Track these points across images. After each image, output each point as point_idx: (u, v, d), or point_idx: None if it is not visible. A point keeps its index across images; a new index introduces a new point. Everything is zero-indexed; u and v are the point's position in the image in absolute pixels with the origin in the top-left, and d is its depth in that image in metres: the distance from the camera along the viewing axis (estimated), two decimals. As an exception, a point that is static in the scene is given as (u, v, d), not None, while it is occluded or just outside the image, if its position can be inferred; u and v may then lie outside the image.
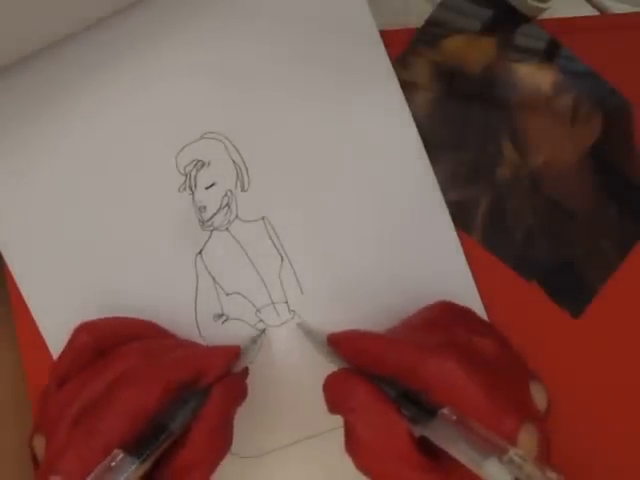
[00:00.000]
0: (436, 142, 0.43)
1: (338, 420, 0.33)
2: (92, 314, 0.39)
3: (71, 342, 0.36)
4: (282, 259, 0.42)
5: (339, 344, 0.34)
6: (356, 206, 0.42)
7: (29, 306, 0.41)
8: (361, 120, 0.43)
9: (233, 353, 0.35)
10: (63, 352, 0.36)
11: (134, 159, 0.42)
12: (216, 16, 0.42)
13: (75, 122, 0.42)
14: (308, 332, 0.39)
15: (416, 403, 0.30)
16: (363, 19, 0.42)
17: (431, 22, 0.44)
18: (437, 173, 0.42)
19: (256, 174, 0.42)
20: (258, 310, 0.42)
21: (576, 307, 0.43)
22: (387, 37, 0.43)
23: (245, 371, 0.38)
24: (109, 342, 0.35)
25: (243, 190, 0.42)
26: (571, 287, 0.43)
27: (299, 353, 0.42)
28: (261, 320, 0.42)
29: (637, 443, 0.42)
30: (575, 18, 0.45)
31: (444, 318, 0.36)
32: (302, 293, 0.42)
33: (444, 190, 0.42)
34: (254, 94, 0.42)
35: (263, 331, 0.41)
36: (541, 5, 0.43)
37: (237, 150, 0.42)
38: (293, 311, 0.42)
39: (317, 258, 0.42)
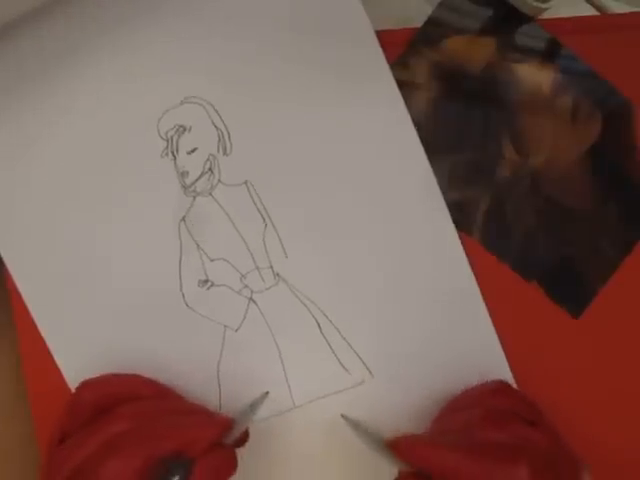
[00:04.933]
0: (436, 142, 0.43)
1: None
2: (79, 284, 0.40)
3: (73, 399, 0.37)
4: (265, 223, 0.42)
5: (403, 452, 0.33)
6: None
7: (21, 293, 0.41)
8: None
9: (224, 425, 0.34)
10: (66, 408, 0.36)
11: (115, 126, 0.42)
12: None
13: (56, 90, 0.42)
14: (356, 426, 0.38)
15: None
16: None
17: (431, 22, 0.44)
18: (437, 173, 0.42)
19: (238, 138, 0.42)
20: (243, 276, 0.42)
21: (576, 307, 0.43)
22: (387, 37, 0.43)
23: (242, 439, 0.37)
24: (109, 400, 0.36)
25: (225, 154, 0.42)
26: (571, 287, 0.43)
27: (287, 317, 0.41)
28: (246, 286, 0.41)
29: (637, 442, 0.42)
30: (575, 18, 0.45)
31: (497, 410, 0.36)
32: (286, 257, 0.42)
33: (444, 190, 0.42)
34: (239, 64, 0.42)
35: (266, 394, 0.40)
36: (541, 5, 0.43)
37: (219, 114, 0.42)
38: (278, 275, 0.42)
39: (301, 222, 0.42)
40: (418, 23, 0.44)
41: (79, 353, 0.41)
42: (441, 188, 0.42)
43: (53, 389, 0.41)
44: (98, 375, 0.38)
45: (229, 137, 0.42)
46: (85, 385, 0.37)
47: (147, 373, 0.40)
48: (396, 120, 0.42)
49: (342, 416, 0.39)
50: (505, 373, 0.41)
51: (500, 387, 0.39)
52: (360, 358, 0.41)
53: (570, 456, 0.34)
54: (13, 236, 0.41)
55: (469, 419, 0.35)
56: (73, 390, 0.38)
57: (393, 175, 0.42)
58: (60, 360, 0.41)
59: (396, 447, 0.33)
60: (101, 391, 0.37)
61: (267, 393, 0.40)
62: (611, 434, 0.42)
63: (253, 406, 0.38)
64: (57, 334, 0.41)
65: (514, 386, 0.41)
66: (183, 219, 0.42)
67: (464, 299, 0.42)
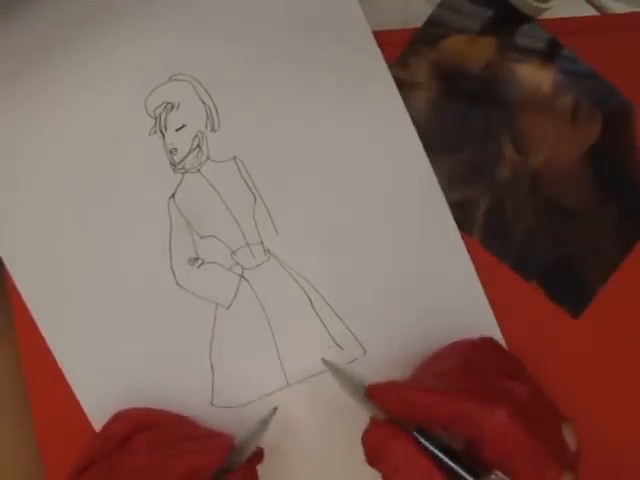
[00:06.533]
0: (436, 142, 0.43)
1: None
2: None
3: (105, 430, 0.38)
4: (255, 199, 0.42)
5: (381, 396, 0.34)
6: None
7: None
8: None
9: (225, 448, 0.35)
10: (95, 438, 0.37)
11: (103, 105, 0.42)
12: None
13: (43, 68, 0.42)
14: (336, 371, 0.38)
15: (460, 460, 0.30)
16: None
17: (431, 22, 0.44)
18: (437, 173, 0.42)
19: (226, 114, 0.42)
20: (233, 252, 0.42)
21: (576, 307, 0.42)
22: (387, 37, 0.43)
23: (257, 457, 0.38)
24: (133, 430, 0.37)
25: (213, 130, 0.42)
26: (571, 287, 0.43)
27: (278, 294, 0.42)
28: (237, 262, 0.42)
29: (637, 443, 0.42)
30: (575, 18, 0.45)
31: (478, 361, 0.36)
32: (277, 233, 0.42)
33: (444, 190, 0.42)
34: (229, 44, 0.42)
35: (275, 410, 0.39)
36: (541, 5, 0.43)
37: (206, 91, 0.42)
38: (268, 251, 0.42)
39: (291, 197, 0.42)
40: (418, 23, 0.44)
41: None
42: (441, 188, 0.42)
43: (53, 389, 0.41)
44: (129, 408, 0.39)
45: (217, 113, 0.42)
46: (118, 417, 0.38)
47: (141, 355, 0.41)
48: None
49: (322, 360, 0.39)
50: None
51: (485, 341, 0.39)
52: (353, 334, 0.41)
53: (552, 410, 0.35)
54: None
55: (448, 367, 0.36)
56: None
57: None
58: (60, 358, 0.41)
59: (371, 392, 0.34)
60: (131, 422, 0.38)
61: (275, 408, 0.39)
62: (611, 434, 0.42)
63: (263, 422, 0.38)
64: (56, 327, 0.41)
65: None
66: (172, 196, 0.42)
67: (459, 277, 0.42)
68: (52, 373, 0.41)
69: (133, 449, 0.35)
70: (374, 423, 0.33)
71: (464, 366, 0.35)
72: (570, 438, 0.33)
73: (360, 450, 0.33)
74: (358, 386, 0.35)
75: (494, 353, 0.38)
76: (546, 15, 0.44)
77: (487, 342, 0.39)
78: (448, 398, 0.31)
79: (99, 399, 0.41)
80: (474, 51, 0.44)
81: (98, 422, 0.40)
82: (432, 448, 0.31)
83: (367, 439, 0.33)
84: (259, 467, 0.37)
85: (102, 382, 0.41)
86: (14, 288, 0.41)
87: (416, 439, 0.31)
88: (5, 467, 0.42)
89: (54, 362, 0.41)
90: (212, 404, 0.41)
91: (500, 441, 0.30)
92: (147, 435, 0.36)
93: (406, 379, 0.38)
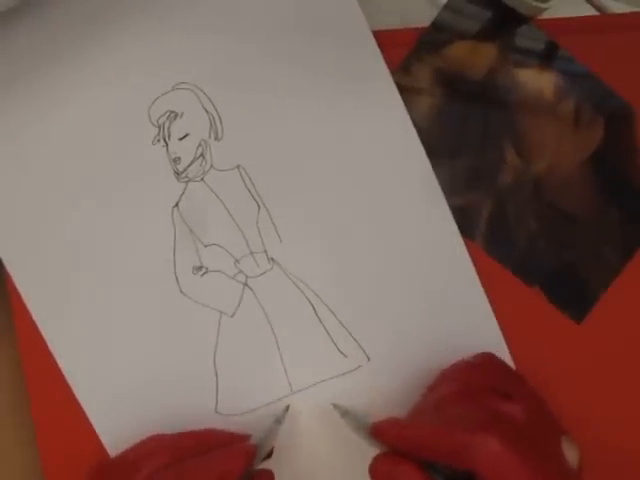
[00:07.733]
0: (439, 148, 0.43)
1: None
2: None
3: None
4: (259, 207, 0.42)
5: (383, 434, 0.34)
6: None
7: (19, 289, 0.41)
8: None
9: (249, 453, 0.35)
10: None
11: (107, 115, 0.42)
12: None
13: (47, 79, 0.41)
14: (345, 414, 0.39)
15: None
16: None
17: (436, 26, 0.44)
18: (439, 178, 0.42)
19: (230, 123, 0.42)
20: (237, 261, 0.42)
21: (578, 312, 0.43)
22: (387, 37, 0.42)
23: (270, 453, 0.38)
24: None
25: (217, 139, 0.42)
26: (573, 292, 0.43)
27: (282, 302, 0.42)
28: (240, 271, 0.42)
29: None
30: (575, 18, 0.45)
31: (474, 384, 0.36)
32: (281, 241, 0.42)
33: (447, 195, 0.42)
34: (231, 51, 0.42)
35: (287, 407, 0.40)
36: (541, 5, 0.43)
37: (210, 99, 0.42)
38: (272, 260, 0.42)
39: (295, 207, 0.42)
40: (418, 23, 0.44)
41: (79, 350, 0.41)
42: (444, 193, 0.42)
43: (53, 389, 0.41)
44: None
45: (220, 122, 0.42)
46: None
47: (144, 361, 0.41)
48: (394, 120, 0.42)
49: (332, 405, 0.40)
50: (504, 355, 0.41)
51: (482, 362, 0.39)
52: (357, 342, 0.42)
53: (550, 425, 0.35)
54: (9, 233, 0.41)
55: (447, 393, 0.36)
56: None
57: (392, 172, 0.42)
58: (60, 359, 0.41)
59: (374, 432, 0.34)
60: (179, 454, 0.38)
61: (288, 406, 0.40)
62: (613, 439, 0.42)
63: (277, 421, 0.39)
64: (57, 331, 0.41)
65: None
66: (176, 205, 0.42)
67: (462, 283, 0.42)
68: (52, 373, 0.41)
69: (152, 454, 0.35)
70: (381, 453, 0.34)
71: (461, 391, 0.35)
72: (570, 453, 0.33)
73: (364, 457, 0.34)
74: (363, 425, 0.35)
75: (492, 371, 0.38)
76: (545, 15, 0.44)
77: (485, 359, 0.39)
78: (443, 432, 0.32)
79: (100, 401, 0.41)
80: (476, 57, 0.43)
81: (99, 424, 0.41)
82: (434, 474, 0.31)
83: (375, 468, 0.34)
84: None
85: (103, 385, 0.41)
86: (14, 288, 0.41)
87: (423, 469, 0.32)
88: (5, 468, 0.42)
89: (54, 362, 0.41)
90: (216, 411, 0.41)
91: (495, 471, 0.30)
92: (168, 441, 0.37)
93: (409, 409, 0.38)
